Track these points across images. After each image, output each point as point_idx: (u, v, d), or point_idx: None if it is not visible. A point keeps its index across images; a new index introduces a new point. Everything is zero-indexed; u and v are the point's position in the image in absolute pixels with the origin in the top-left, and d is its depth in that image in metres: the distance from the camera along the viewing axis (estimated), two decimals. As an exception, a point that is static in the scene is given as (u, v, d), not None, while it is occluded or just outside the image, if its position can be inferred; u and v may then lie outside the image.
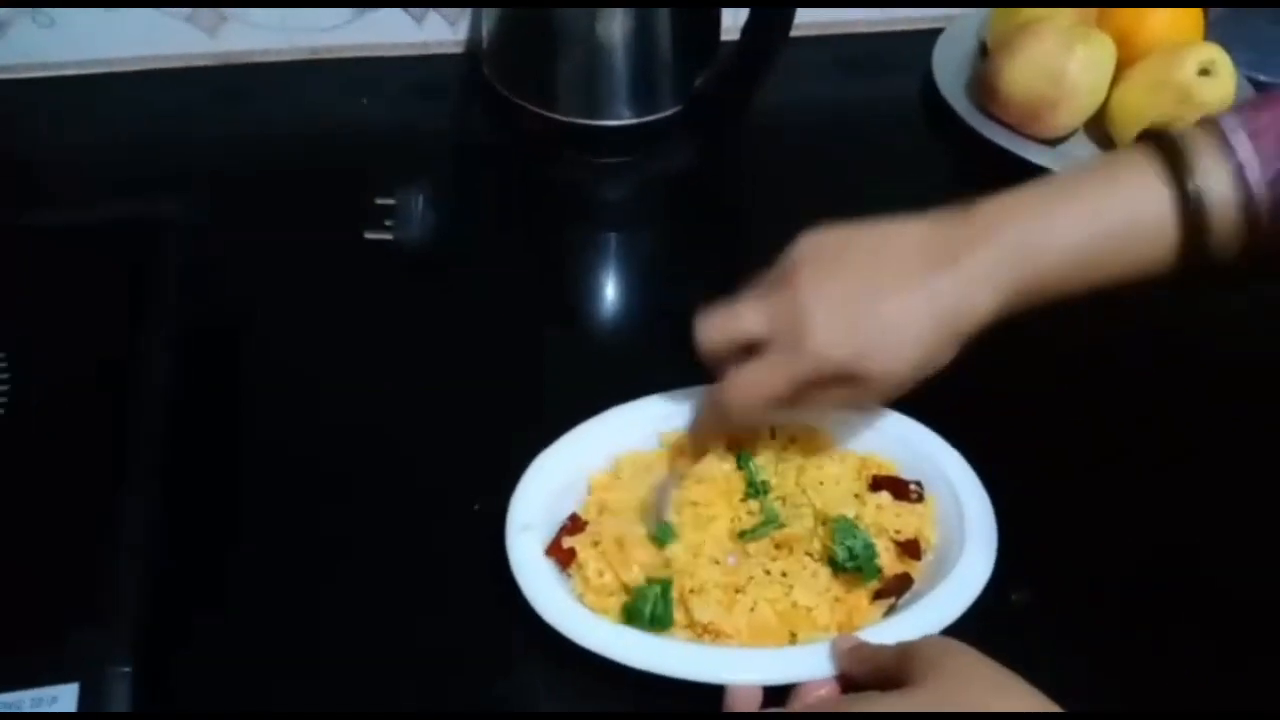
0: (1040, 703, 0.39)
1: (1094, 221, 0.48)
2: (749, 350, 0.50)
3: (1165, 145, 0.48)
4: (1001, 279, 0.48)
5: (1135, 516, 0.56)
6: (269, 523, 0.55)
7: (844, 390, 0.49)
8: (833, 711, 0.42)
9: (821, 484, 0.53)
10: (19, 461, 0.51)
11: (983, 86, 0.78)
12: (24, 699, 0.43)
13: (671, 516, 0.52)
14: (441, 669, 0.50)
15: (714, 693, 0.46)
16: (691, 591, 0.49)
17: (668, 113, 0.75)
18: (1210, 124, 0.48)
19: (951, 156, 0.79)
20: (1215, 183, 0.47)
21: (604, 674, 0.47)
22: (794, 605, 0.49)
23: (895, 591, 0.50)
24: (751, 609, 0.49)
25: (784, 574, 0.50)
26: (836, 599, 0.50)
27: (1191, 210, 0.47)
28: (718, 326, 0.51)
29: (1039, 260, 0.48)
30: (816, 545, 0.51)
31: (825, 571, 0.51)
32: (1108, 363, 0.63)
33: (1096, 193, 0.49)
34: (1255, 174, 0.47)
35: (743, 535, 0.52)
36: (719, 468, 0.54)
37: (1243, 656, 0.51)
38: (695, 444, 0.55)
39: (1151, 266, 0.49)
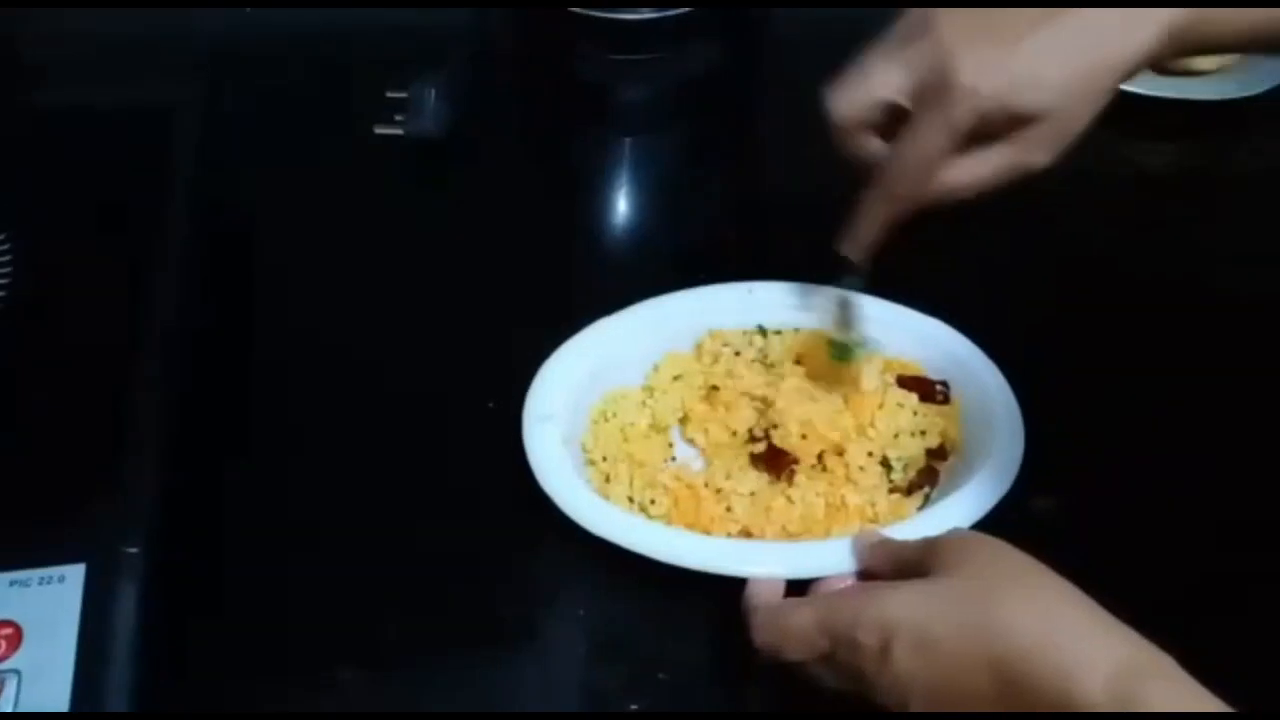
0: (1067, 591, 0.38)
1: None
2: (887, 125, 0.48)
3: None
4: (1160, 18, 0.46)
5: (1164, 426, 0.54)
6: (282, 421, 0.54)
7: (1006, 148, 0.47)
8: (853, 599, 0.41)
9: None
10: (27, 341, 0.50)
11: (1015, -10, 0.76)
12: (32, 577, 0.42)
13: (860, 334, 0.51)
14: (457, 561, 0.49)
15: (729, 585, 0.45)
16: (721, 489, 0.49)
17: (688, 8, 0.73)
18: None
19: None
20: None
21: (624, 566, 0.46)
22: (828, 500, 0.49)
23: (929, 483, 0.49)
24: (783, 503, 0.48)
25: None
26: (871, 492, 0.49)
27: None
28: (849, 92, 0.48)
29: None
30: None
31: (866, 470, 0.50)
32: (1143, 270, 0.61)
33: None
34: None
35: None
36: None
37: (1266, 569, 0.50)
38: (858, 243, 0.51)
39: None
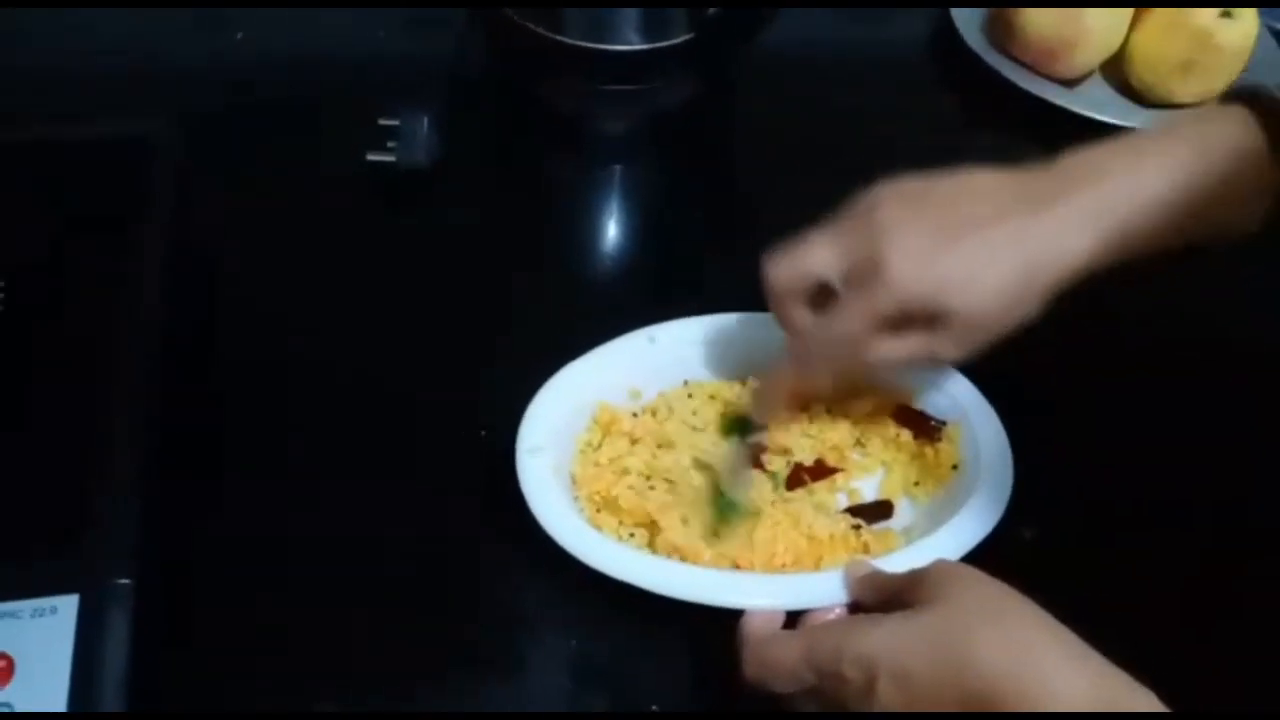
0: (1043, 623, 0.39)
1: (1192, 173, 0.47)
2: (818, 299, 0.49)
3: (1262, 106, 0.47)
4: (1095, 226, 0.46)
5: (1150, 458, 0.55)
6: (267, 447, 0.54)
7: (922, 337, 0.48)
8: (837, 634, 0.42)
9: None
10: (15, 370, 0.50)
11: (1000, 24, 0.77)
12: (24, 608, 0.42)
13: (744, 495, 0.50)
14: (449, 590, 0.49)
15: (719, 616, 0.45)
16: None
17: (677, 40, 0.74)
18: None
19: (967, 94, 0.77)
20: None
21: (614, 597, 0.46)
22: (810, 535, 0.49)
23: (868, 517, 0.50)
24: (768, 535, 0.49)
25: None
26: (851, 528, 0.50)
27: None
28: (787, 264, 0.49)
29: (1134, 208, 0.47)
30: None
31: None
32: (1128, 302, 0.61)
33: (1194, 147, 0.48)
34: None
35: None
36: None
37: (1254, 593, 0.51)
38: (765, 406, 0.52)
39: (1247, 222, 0.49)
